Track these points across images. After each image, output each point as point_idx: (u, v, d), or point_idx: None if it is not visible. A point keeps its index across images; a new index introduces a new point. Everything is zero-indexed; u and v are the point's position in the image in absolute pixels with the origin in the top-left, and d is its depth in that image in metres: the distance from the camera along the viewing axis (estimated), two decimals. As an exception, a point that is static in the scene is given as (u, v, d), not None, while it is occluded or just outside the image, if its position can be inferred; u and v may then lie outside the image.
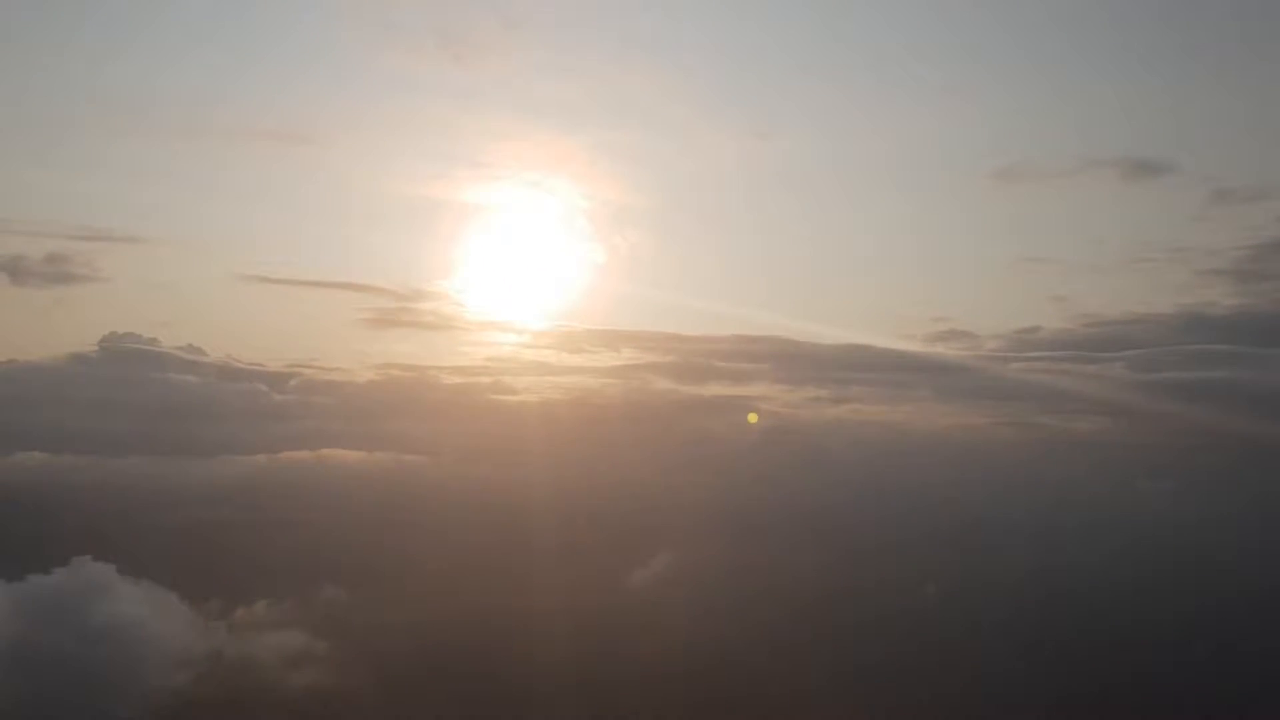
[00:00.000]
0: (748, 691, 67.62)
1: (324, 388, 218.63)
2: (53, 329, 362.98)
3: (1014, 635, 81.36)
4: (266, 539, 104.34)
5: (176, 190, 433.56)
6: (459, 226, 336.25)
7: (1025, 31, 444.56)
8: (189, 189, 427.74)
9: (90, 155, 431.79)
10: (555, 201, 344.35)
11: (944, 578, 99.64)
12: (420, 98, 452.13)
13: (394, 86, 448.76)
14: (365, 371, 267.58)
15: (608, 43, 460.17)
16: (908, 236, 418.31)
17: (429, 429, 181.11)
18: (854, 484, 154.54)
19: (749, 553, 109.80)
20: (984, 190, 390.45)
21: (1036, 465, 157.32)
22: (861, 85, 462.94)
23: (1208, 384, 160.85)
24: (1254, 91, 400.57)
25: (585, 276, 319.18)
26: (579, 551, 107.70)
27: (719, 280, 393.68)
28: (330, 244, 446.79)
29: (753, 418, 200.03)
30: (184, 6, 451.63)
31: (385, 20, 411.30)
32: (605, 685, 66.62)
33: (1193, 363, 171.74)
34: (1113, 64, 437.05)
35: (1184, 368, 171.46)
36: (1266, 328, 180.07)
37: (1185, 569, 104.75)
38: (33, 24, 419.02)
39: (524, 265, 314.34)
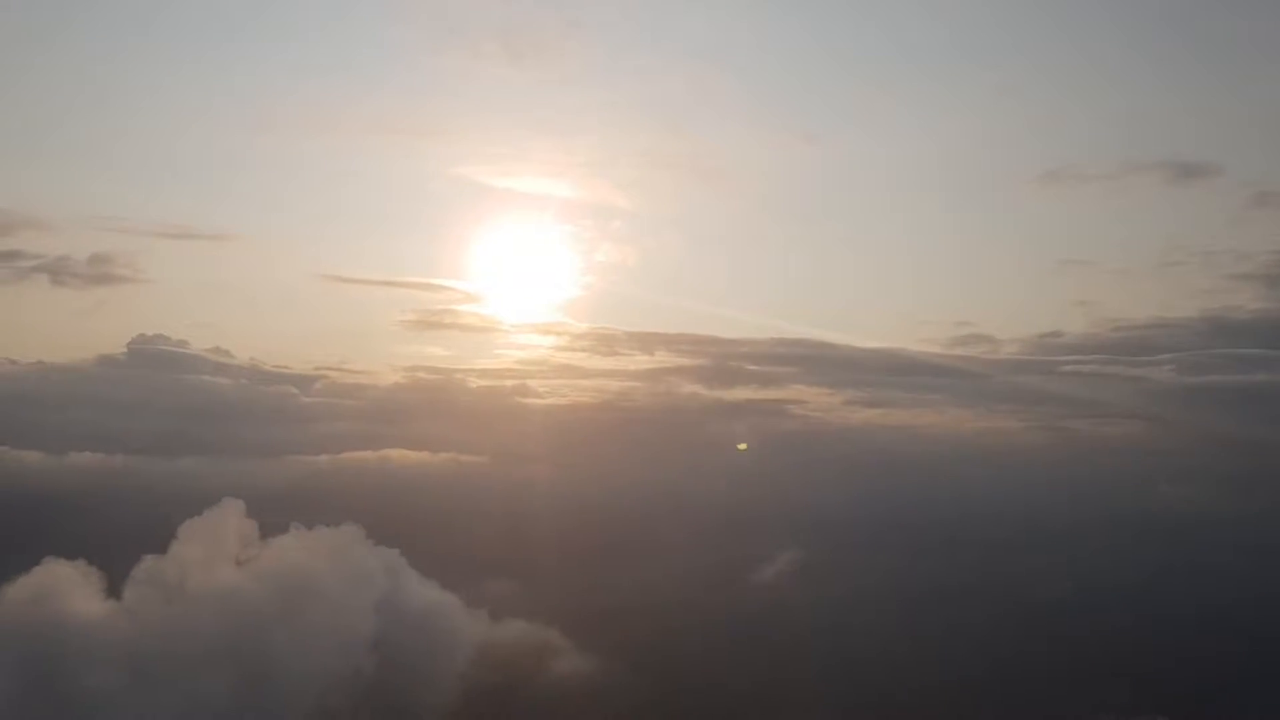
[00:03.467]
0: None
1: (349, 390, 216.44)
2: (103, 328, 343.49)
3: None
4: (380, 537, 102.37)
5: (266, 186, 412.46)
6: (508, 226, 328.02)
7: (1072, 35, 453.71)
8: (280, 185, 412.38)
9: (175, 152, 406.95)
10: (603, 203, 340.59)
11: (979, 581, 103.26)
12: (481, 96, 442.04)
13: (461, 85, 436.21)
14: (392, 374, 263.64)
15: (663, 45, 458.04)
16: (945, 240, 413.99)
17: (450, 432, 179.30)
18: (889, 487, 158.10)
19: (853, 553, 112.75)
20: (1026, 194, 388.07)
21: (1070, 468, 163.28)
22: (908, 89, 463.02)
23: (1230, 388, 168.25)
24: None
25: (628, 278, 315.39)
26: (691, 548, 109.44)
27: (763, 284, 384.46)
28: (409, 241, 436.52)
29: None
30: (244, 7, 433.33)
31: (447, 21, 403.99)
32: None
33: (1216, 367, 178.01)
34: (1160, 67, 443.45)
35: (1206, 372, 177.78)
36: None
37: (1198, 569, 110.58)
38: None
39: (567, 266, 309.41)
